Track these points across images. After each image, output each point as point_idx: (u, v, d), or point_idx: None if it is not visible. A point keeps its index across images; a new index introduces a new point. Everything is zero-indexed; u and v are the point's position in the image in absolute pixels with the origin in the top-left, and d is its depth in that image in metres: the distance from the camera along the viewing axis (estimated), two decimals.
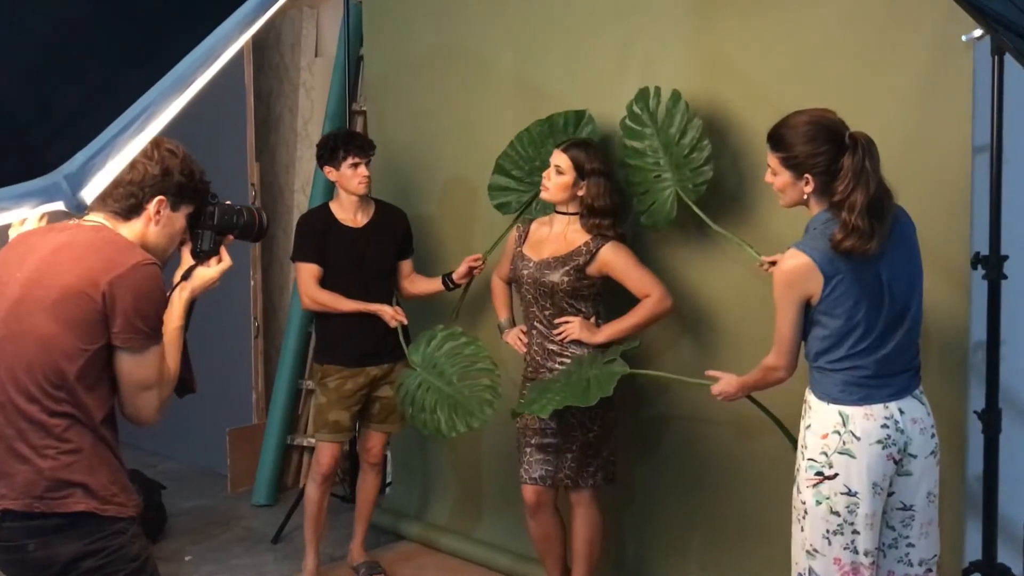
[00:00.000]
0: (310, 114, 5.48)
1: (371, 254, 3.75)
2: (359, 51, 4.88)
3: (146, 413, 1.99)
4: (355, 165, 3.68)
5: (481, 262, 3.72)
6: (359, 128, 4.82)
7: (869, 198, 2.26)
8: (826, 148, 2.32)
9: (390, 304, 3.75)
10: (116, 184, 2.01)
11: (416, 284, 3.87)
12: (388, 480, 4.49)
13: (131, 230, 2.04)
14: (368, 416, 3.84)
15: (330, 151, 3.72)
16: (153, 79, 1.48)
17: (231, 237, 2.24)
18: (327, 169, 3.76)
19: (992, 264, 2.68)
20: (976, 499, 2.96)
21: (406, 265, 3.88)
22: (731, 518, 3.44)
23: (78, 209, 1.53)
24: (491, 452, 4.13)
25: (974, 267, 2.74)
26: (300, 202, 5.49)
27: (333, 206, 3.81)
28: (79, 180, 1.50)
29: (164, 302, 2.02)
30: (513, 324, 3.52)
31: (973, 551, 2.94)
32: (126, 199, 2.02)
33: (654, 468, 3.62)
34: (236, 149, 5.02)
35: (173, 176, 2.04)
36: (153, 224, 2.05)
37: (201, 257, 2.18)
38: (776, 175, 2.43)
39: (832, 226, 2.32)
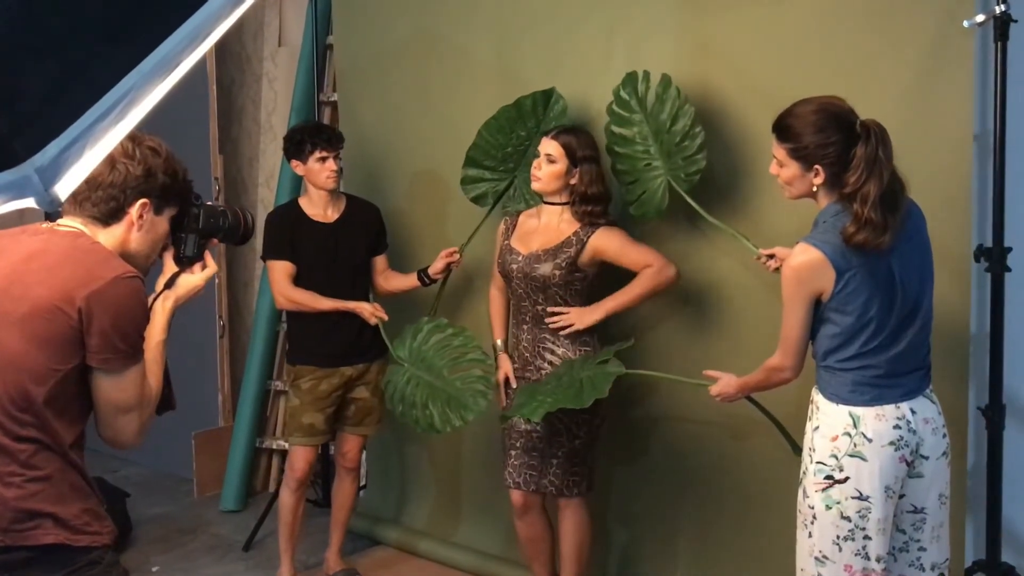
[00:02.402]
0: (274, 105, 5.31)
1: (343, 250, 3.61)
2: (327, 39, 4.72)
3: (125, 437, 1.83)
4: (323, 159, 3.54)
5: (458, 256, 3.59)
6: (327, 119, 4.67)
7: (882, 189, 2.17)
8: (837, 138, 2.22)
9: (367, 301, 3.62)
10: (95, 186, 1.84)
11: (391, 281, 3.73)
12: (362, 483, 4.35)
13: (111, 236, 1.86)
14: (343, 419, 3.70)
15: (296, 144, 3.58)
16: (135, 60, 1.32)
17: (215, 241, 2.07)
18: (294, 163, 3.62)
19: (995, 256, 2.61)
20: (974, 496, 2.91)
21: (380, 261, 3.74)
22: (721, 520, 3.35)
23: (51, 206, 1.36)
24: (471, 452, 4.01)
25: (976, 260, 2.68)
26: (264, 196, 5.33)
27: (302, 202, 3.66)
28: (52, 174, 1.33)
29: (146, 318, 1.85)
30: (506, 348, 3.35)
31: (969, 549, 2.89)
32: (106, 203, 1.84)
33: (642, 469, 3.52)
34: (198, 142, 4.83)
35: (157, 177, 1.87)
36: (136, 229, 1.87)
37: (184, 263, 2.01)
38: (783, 167, 2.33)
39: (843, 219, 2.22)
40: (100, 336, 1.73)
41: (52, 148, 1.30)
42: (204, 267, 2.03)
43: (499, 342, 3.35)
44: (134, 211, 1.87)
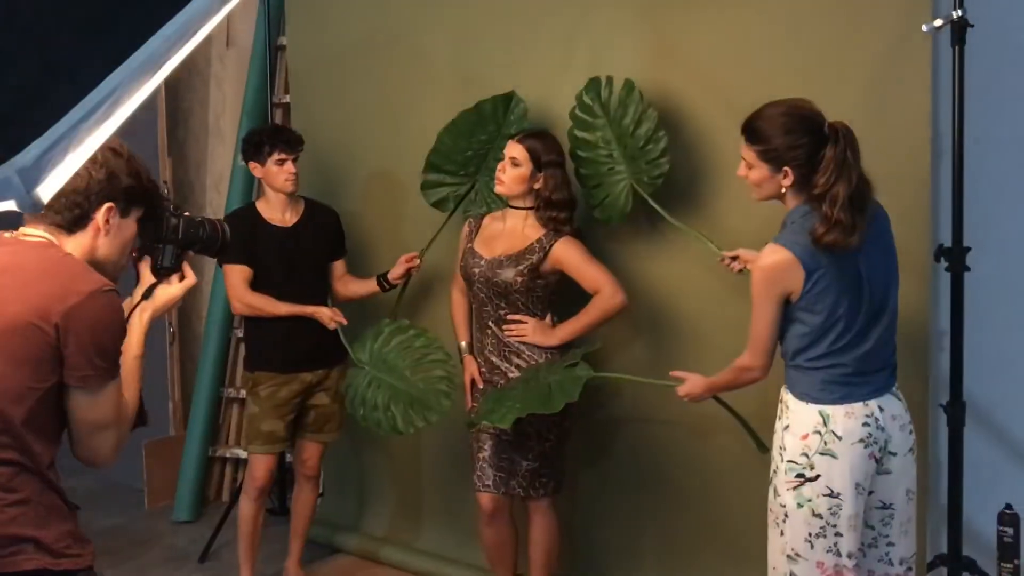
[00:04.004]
0: (222, 107, 5.23)
1: (302, 255, 3.56)
2: (278, 40, 4.66)
3: (102, 455, 1.77)
4: (281, 161, 3.49)
5: (418, 261, 3.57)
6: (278, 122, 4.60)
7: (851, 190, 2.20)
8: (806, 140, 2.24)
9: (325, 306, 3.57)
10: (57, 194, 1.78)
11: (349, 286, 3.69)
12: (320, 490, 4.29)
13: (78, 244, 1.79)
14: (303, 425, 3.64)
15: (254, 146, 3.52)
16: (120, 57, 1.28)
17: (191, 253, 2.03)
18: (252, 165, 3.56)
19: (955, 256, 2.66)
20: (933, 491, 2.96)
21: (339, 266, 3.70)
22: (688, 519, 3.37)
23: (33, 209, 1.31)
24: (429, 457, 3.98)
25: (937, 259, 2.73)
26: (213, 199, 5.24)
27: (260, 205, 3.60)
28: (34, 175, 1.28)
29: (123, 332, 1.79)
30: (472, 350, 3.32)
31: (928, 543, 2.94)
32: (70, 210, 1.78)
33: (607, 470, 3.52)
34: (146, 144, 4.72)
35: (120, 179, 1.81)
36: (103, 235, 1.81)
37: (162, 274, 1.96)
38: (752, 168, 2.34)
39: (811, 219, 2.25)
40: (79, 353, 1.68)
41: (34, 148, 1.25)
42: (182, 278, 1.98)
43: (463, 344, 3.33)
44: (100, 216, 1.81)
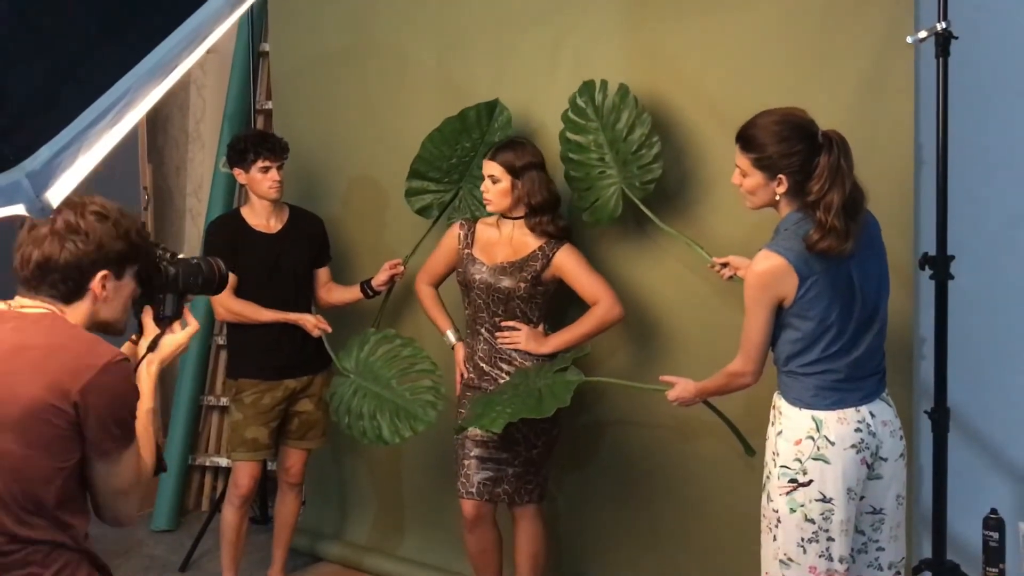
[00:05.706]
0: (202, 113, 5.20)
1: (286, 261, 3.55)
2: (260, 47, 4.64)
3: (126, 514, 1.79)
4: (265, 169, 3.48)
5: (402, 268, 3.56)
6: (260, 128, 4.58)
7: (844, 198, 2.22)
8: (800, 147, 2.27)
9: (309, 313, 3.55)
10: (47, 269, 1.74)
11: (333, 293, 3.68)
12: (302, 498, 4.26)
13: (79, 312, 1.77)
14: (286, 432, 3.62)
15: (239, 153, 3.51)
16: (131, 61, 1.27)
17: (190, 297, 2.01)
18: (236, 171, 3.55)
19: (940, 264, 2.69)
20: (916, 497, 2.99)
21: (323, 273, 3.69)
22: (672, 523, 3.38)
23: (42, 213, 1.29)
24: (413, 464, 3.96)
25: (922, 268, 2.75)
26: (192, 206, 5.21)
27: (245, 211, 3.59)
28: (44, 179, 1.27)
29: (137, 398, 1.77)
30: (460, 337, 3.33)
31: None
32: (64, 283, 1.75)
33: (592, 475, 3.53)
34: (125, 150, 4.68)
35: (110, 246, 1.78)
36: (102, 301, 1.79)
37: (164, 323, 1.93)
38: (746, 176, 2.36)
39: (804, 226, 2.27)
40: (98, 428, 1.67)
41: (44, 152, 1.24)
42: (184, 324, 1.96)
43: (450, 332, 3.34)
44: (96, 285, 1.78)
